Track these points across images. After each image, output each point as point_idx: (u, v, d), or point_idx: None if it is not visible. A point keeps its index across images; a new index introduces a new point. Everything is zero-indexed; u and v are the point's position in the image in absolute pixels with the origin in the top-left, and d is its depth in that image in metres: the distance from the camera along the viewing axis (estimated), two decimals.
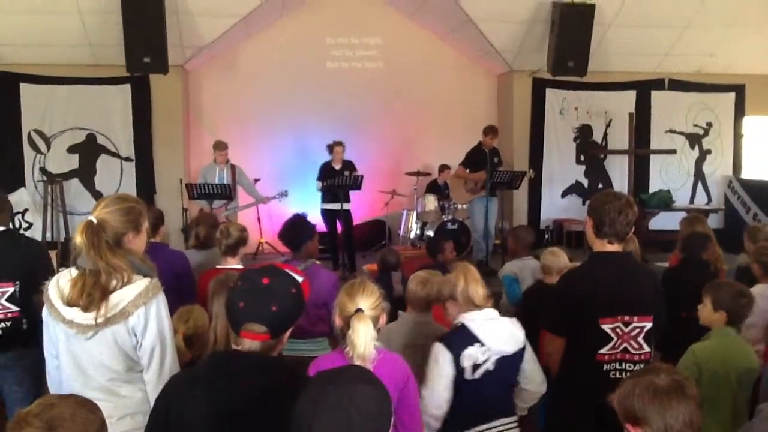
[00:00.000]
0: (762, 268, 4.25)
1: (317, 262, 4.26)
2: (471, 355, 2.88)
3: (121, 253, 2.45)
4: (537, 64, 9.80)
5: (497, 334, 2.93)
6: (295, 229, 4.21)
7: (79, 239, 2.40)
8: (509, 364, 2.98)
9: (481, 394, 2.94)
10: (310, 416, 1.47)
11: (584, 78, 9.51)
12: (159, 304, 2.48)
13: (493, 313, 3.00)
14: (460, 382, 2.88)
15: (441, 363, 2.87)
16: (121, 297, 2.41)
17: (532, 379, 3.08)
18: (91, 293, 2.38)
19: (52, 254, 8.17)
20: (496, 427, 3.01)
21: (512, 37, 9.69)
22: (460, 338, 2.92)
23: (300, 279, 1.97)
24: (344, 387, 1.49)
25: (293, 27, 10.39)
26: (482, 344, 2.90)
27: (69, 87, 9.33)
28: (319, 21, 10.48)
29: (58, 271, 2.61)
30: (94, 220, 2.44)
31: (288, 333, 1.98)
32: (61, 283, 2.47)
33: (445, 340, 2.94)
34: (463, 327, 2.94)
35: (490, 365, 2.92)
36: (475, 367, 2.91)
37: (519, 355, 3.01)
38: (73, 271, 2.47)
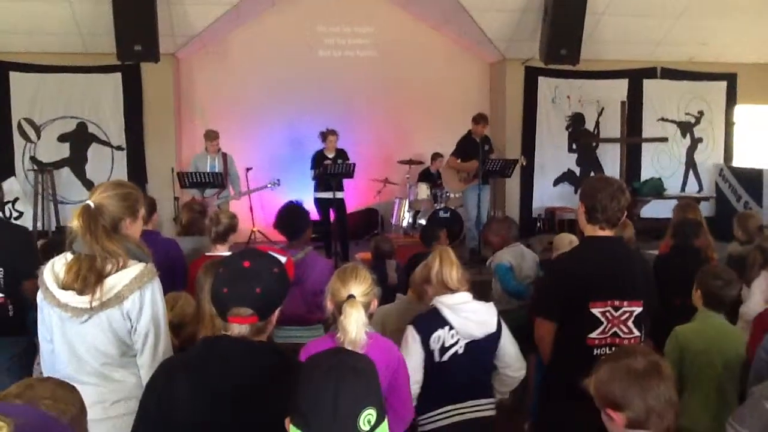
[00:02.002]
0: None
1: (315, 251, 4.24)
2: (439, 337, 2.96)
3: (117, 239, 2.46)
4: (529, 52, 9.79)
5: (467, 317, 2.98)
6: (293, 216, 4.18)
7: (75, 223, 2.40)
8: (480, 348, 3.04)
9: (451, 376, 2.99)
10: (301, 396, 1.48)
11: (577, 66, 9.50)
12: (154, 289, 2.50)
13: (466, 296, 3.04)
14: (429, 364, 2.94)
15: (411, 345, 2.94)
16: (116, 281, 2.42)
17: (509, 364, 3.15)
18: (87, 277, 2.39)
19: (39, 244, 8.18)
20: (466, 408, 3.06)
21: (505, 26, 9.67)
22: (429, 321, 2.99)
23: (283, 259, 1.96)
24: (331, 357, 1.50)
25: (285, 15, 10.33)
26: (451, 327, 2.96)
27: (59, 75, 9.25)
28: (311, 9, 10.43)
29: (43, 261, 2.60)
30: (92, 205, 2.45)
31: (276, 313, 1.97)
32: (56, 268, 2.49)
33: (415, 322, 3.00)
34: (434, 310, 3.00)
35: (459, 349, 2.98)
36: (444, 350, 2.97)
37: (491, 339, 3.06)
38: (69, 256, 2.48)
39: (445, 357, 2.98)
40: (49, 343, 2.56)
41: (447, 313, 2.97)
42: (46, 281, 2.47)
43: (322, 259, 4.21)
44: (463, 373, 3.03)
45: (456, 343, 2.98)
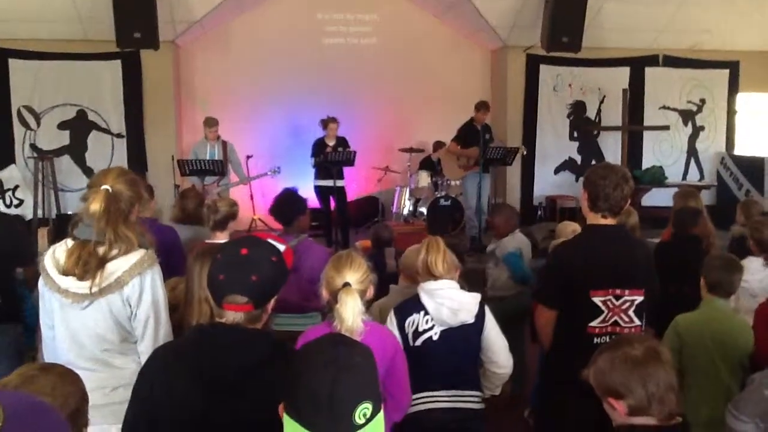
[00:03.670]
0: (756, 243, 4.26)
1: (310, 238, 4.25)
2: (414, 321, 2.99)
3: (130, 225, 2.49)
4: (531, 39, 9.74)
5: (442, 303, 2.97)
6: (286, 203, 4.19)
7: (96, 206, 2.41)
8: (456, 337, 3.00)
9: (425, 363, 2.99)
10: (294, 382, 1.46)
11: (578, 54, 9.46)
12: (154, 275, 2.52)
13: (447, 283, 3.03)
14: (405, 348, 2.93)
15: (389, 327, 2.98)
16: (116, 267, 2.43)
17: (494, 360, 3.10)
18: (87, 262, 2.40)
19: (44, 231, 8.19)
20: (442, 396, 3.03)
21: (506, 13, 9.63)
22: (408, 305, 3.04)
23: (282, 247, 1.95)
24: (328, 348, 1.48)
25: (287, 2, 10.28)
26: (427, 312, 2.98)
27: (58, 62, 9.22)
28: None
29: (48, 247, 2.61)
30: (110, 190, 2.45)
31: (272, 302, 1.96)
32: (57, 254, 2.50)
33: (396, 306, 3.06)
34: (416, 295, 3.04)
35: (434, 335, 2.99)
36: (417, 334, 2.99)
37: (468, 330, 3.02)
38: (69, 242, 2.49)
39: (418, 342, 2.99)
40: (50, 329, 2.57)
41: (424, 298, 2.99)
42: (47, 267, 2.48)
43: (317, 247, 4.21)
44: (437, 361, 3.01)
45: (431, 328, 2.99)
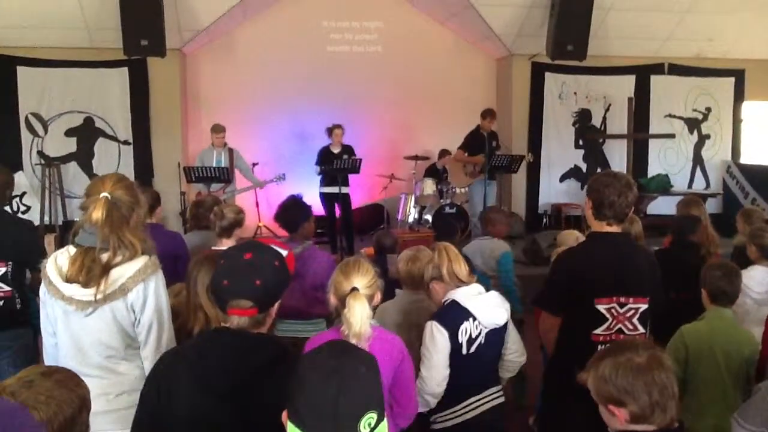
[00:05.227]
0: (759, 250, 4.25)
1: (315, 245, 4.26)
2: (466, 329, 2.93)
3: (133, 231, 2.49)
4: (536, 48, 9.76)
5: (488, 307, 2.99)
6: (291, 210, 4.20)
7: (98, 214, 2.41)
8: (497, 336, 3.06)
9: (476, 367, 2.99)
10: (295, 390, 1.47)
11: (584, 62, 9.45)
12: (157, 281, 2.51)
13: (480, 287, 3.06)
14: (456, 357, 2.91)
15: (438, 340, 2.89)
16: (120, 273, 2.43)
17: (515, 350, 3.19)
18: (91, 269, 2.40)
19: (51, 238, 8.23)
20: (485, 397, 3.07)
21: (512, 21, 9.65)
22: (454, 314, 2.95)
23: (284, 252, 1.96)
24: (332, 357, 1.48)
25: (292, 10, 10.32)
26: (475, 318, 2.95)
27: (66, 70, 9.28)
28: (318, 4, 10.42)
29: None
30: (110, 197, 2.46)
31: (276, 306, 1.97)
32: (59, 261, 2.49)
33: (439, 317, 2.96)
34: (454, 303, 2.98)
35: (482, 339, 2.98)
36: (471, 341, 2.95)
37: (504, 327, 3.09)
38: (71, 249, 2.48)
39: (473, 348, 2.96)
40: (52, 336, 2.56)
41: (470, 305, 2.95)
42: (50, 275, 2.47)
43: (322, 254, 4.22)
44: (484, 362, 3.05)
45: (480, 333, 2.98)
